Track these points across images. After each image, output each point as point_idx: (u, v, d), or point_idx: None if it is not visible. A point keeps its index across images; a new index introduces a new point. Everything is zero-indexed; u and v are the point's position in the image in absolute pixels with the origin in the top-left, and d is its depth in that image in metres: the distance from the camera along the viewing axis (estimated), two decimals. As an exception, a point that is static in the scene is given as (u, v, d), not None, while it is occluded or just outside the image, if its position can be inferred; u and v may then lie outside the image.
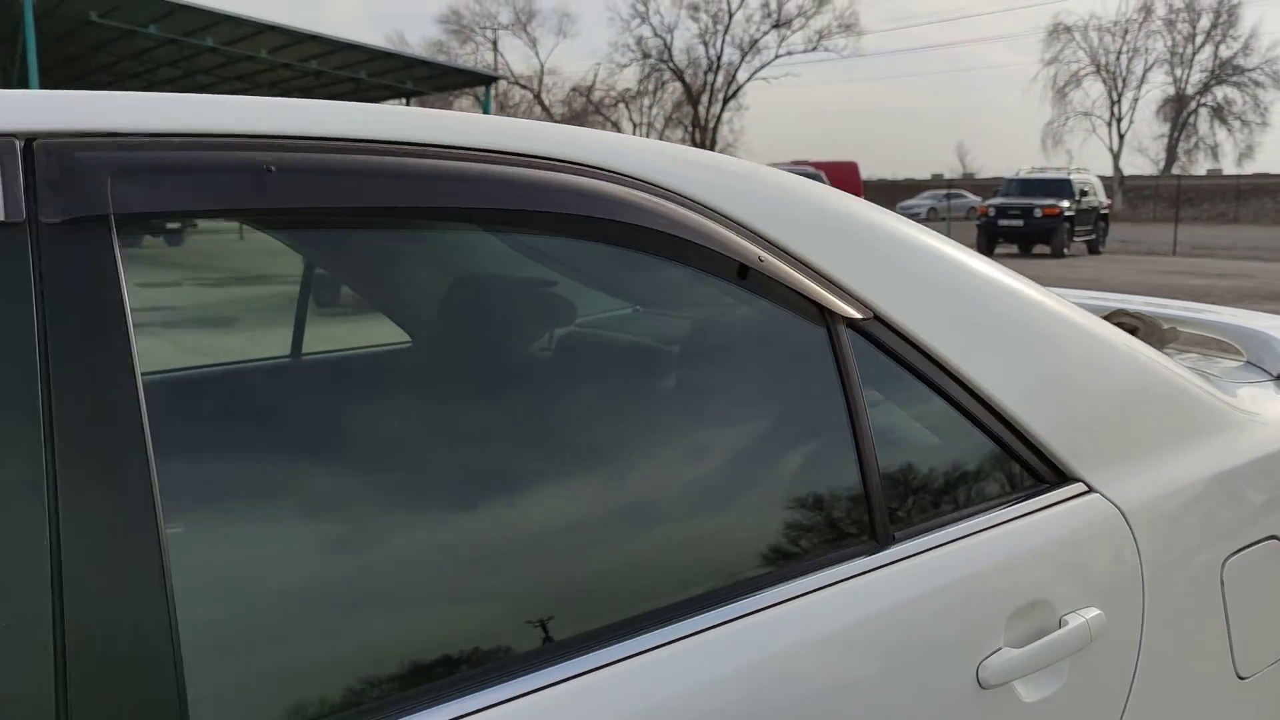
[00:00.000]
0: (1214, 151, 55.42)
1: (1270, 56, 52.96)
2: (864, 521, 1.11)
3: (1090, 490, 1.27)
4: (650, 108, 63.35)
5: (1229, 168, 53.43)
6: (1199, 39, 54.07)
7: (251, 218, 0.90)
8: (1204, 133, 55.83)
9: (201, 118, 0.88)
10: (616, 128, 62.27)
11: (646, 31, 59.94)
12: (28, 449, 0.71)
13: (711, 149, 1.97)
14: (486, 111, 22.79)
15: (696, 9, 58.37)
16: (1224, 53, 53.69)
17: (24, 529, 0.70)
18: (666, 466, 1.05)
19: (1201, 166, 54.99)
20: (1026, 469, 1.25)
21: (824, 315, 1.13)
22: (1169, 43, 55.02)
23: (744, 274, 1.10)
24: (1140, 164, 56.26)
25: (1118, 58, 55.25)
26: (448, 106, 52.07)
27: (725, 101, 60.51)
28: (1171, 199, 37.45)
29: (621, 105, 63.52)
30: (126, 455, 0.74)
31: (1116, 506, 1.27)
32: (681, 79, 60.59)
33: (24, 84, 16.85)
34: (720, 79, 59.73)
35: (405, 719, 0.82)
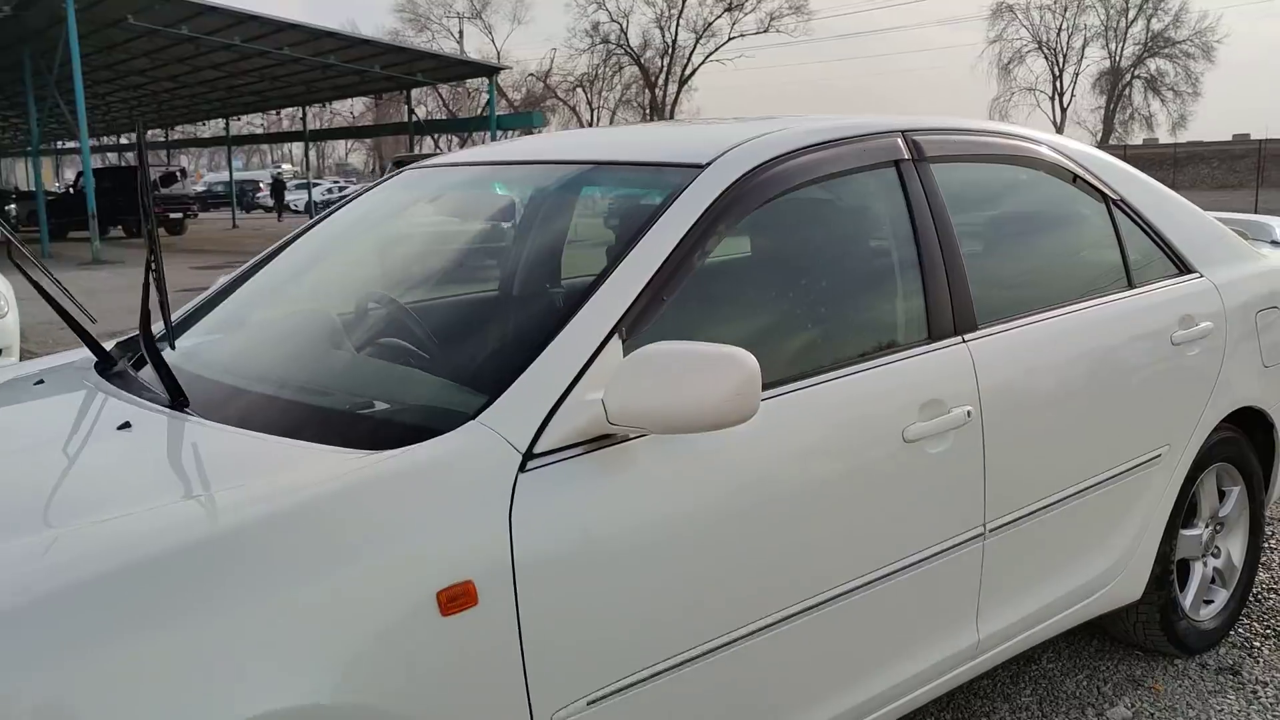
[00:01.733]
0: (1149, 122, 58.06)
1: (1199, 28, 55.50)
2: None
3: (1204, 277, 2.96)
4: (602, 93, 64.67)
5: (1164, 137, 56.03)
6: (1131, 13, 56.60)
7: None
8: (1139, 104, 58.43)
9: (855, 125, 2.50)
10: (575, 112, 63.55)
11: (603, 17, 60.87)
12: None
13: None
14: (491, 99, 24.17)
15: (652, -7, 59.63)
16: (1155, 26, 56.31)
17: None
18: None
19: (1137, 137, 57.47)
20: (1177, 263, 2.93)
21: (1107, 206, 2.80)
22: (1103, 17, 57.50)
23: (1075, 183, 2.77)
24: (1081, 136, 58.58)
25: (1058, 34, 57.70)
26: (451, 95, 52.80)
27: (681, 84, 62.03)
28: (1114, 167, 39.54)
29: (579, 90, 64.83)
30: None
31: (1214, 285, 2.96)
32: (638, 63, 61.96)
33: (69, 82, 17.91)
34: (675, 62, 61.14)
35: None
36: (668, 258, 1.93)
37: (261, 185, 56.19)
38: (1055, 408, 2.48)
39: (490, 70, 22.67)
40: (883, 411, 2.13)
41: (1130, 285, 2.81)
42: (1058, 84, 57.93)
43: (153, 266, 1.94)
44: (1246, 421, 3.14)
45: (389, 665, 1.48)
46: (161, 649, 1.32)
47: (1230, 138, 50.00)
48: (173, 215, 28.59)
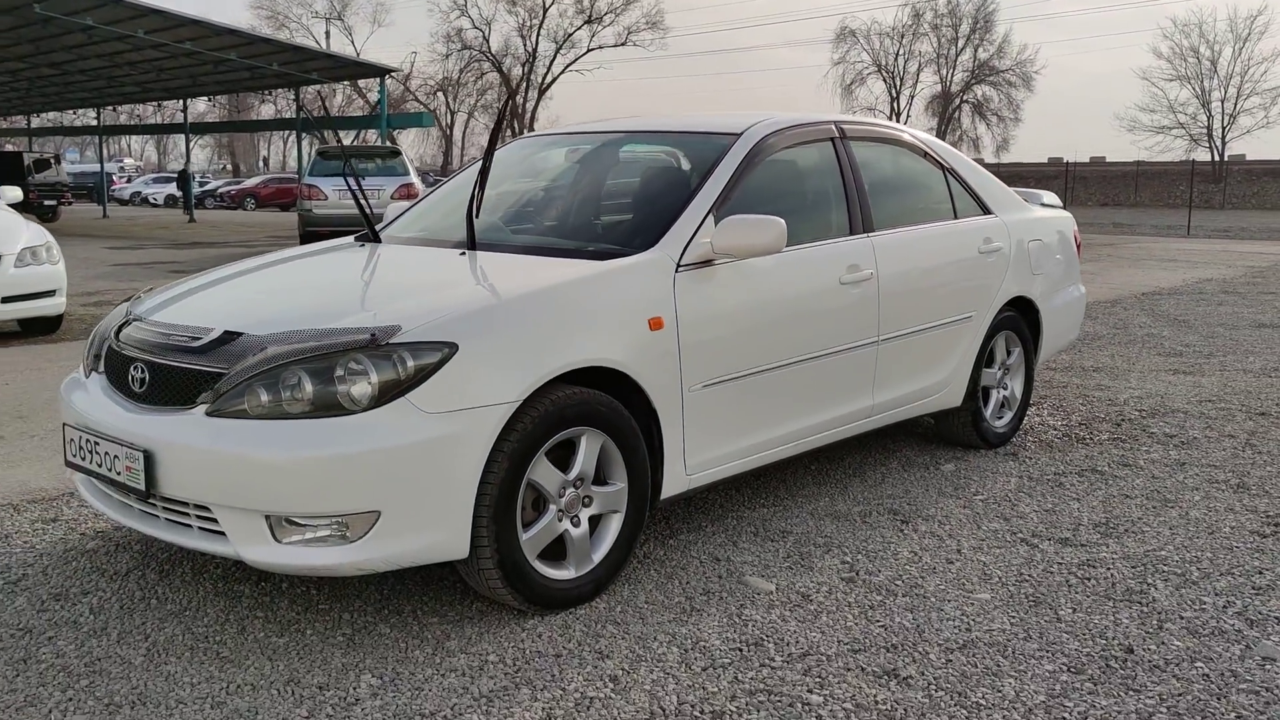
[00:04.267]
0: (975, 144, 62.95)
1: (1020, 59, 60.73)
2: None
3: (997, 217, 5.00)
4: (470, 97, 65.98)
5: (989, 157, 60.90)
6: (960, 42, 61.42)
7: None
8: (967, 126, 63.35)
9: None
10: (435, 114, 64.40)
11: (465, 23, 62.12)
12: None
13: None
14: (382, 99, 25.45)
15: (514, 2, 61.29)
16: (982, 55, 61.28)
17: None
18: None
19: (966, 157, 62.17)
20: (982, 208, 4.96)
21: (943, 171, 4.80)
22: (935, 45, 62.17)
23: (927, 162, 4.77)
24: (915, 154, 62.72)
25: (896, 58, 62.06)
26: (340, 94, 53.08)
27: (541, 92, 63.91)
28: (944, 183, 43.38)
29: (440, 94, 65.90)
30: None
31: (1004, 222, 5.00)
32: (499, 69, 63.47)
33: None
34: (536, 71, 62.84)
35: None
36: (728, 180, 3.79)
37: (115, 178, 55.21)
38: (915, 277, 4.44)
39: (383, 71, 23.97)
40: (830, 266, 4.04)
41: (956, 217, 4.84)
42: (895, 105, 62.33)
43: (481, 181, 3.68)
44: (1023, 307, 5.19)
45: (637, 349, 3.28)
46: (537, 325, 3.10)
47: (1046, 160, 55.00)
48: (46, 202, 28.71)
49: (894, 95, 62.73)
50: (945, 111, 62.56)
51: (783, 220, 3.56)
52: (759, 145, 3.98)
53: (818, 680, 2.78)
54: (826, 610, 3.23)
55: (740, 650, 2.95)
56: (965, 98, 62.74)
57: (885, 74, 62.81)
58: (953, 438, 5.11)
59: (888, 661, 2.89)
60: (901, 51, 62.38)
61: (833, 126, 4.39)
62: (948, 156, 4.99)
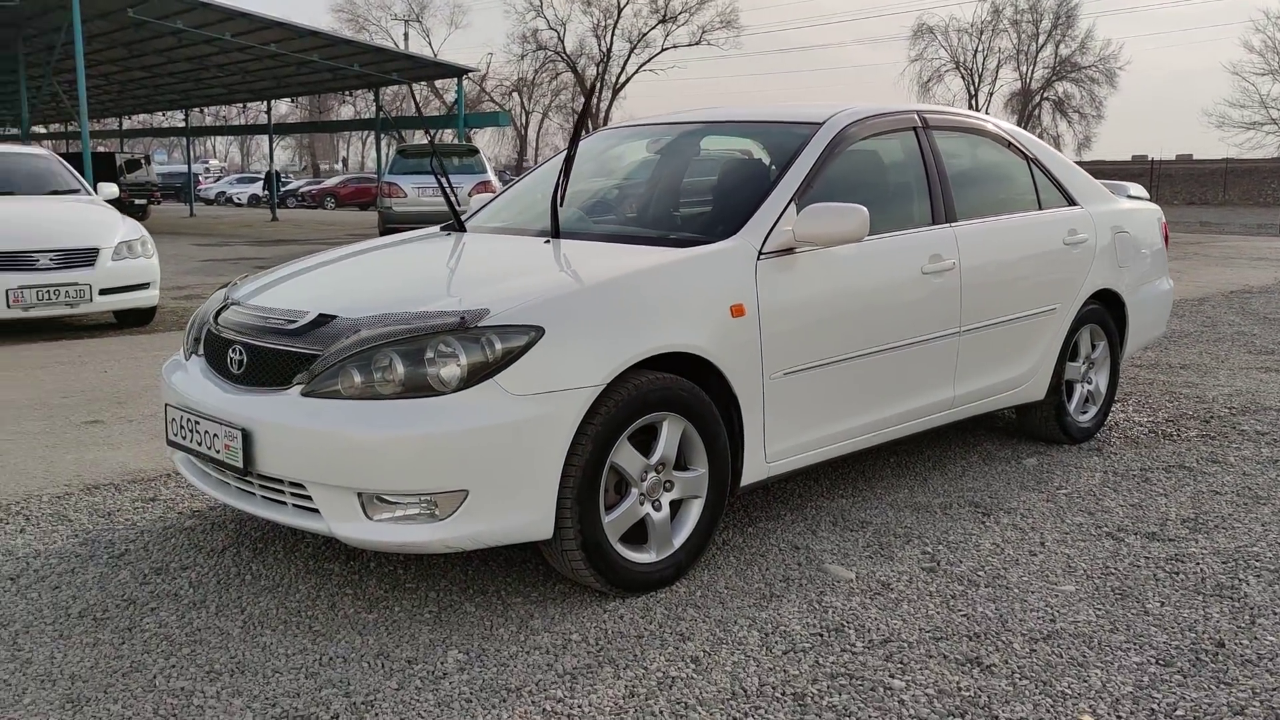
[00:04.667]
0: (1056, 142, 61.60)
1: (1103, 55, 59.32)
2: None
3: (1083, 208, 4.92)
4: (544, 97, 66.56)
5: (1070, 156, 59.63)
6: (1041, 38, 60.23)
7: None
8: (1047, 124, 62.05)
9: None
10: (510, 113, 65.00)
11: (541, 24, 62.64)
12: None
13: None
14: (459, 99, 25.80)
15: (589, 3, 61.60)
16: (1064, 51, 60.02)
17: None
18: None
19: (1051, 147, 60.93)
20: (1067, 199, 4.89)
21: (1027, 161, 4.75)
22: (1015, 41, 61.04)
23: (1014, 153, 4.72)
24: (993, 152, 61.73)
25: (975, 55, 61.10)
26: (418, 95, 54.31)
27: (615, 91, 64.12)
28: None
29: (515, 94, 66.57)
30: None
31: (1090, 213, 4.93)
32: (574, 69, 63.85)
33: (71, 71, 19.07)
34: (610, 70, 63.07)
35: None
36: (810, 169, 3.79)
37: (200, 178, 56.72)
38: (998, 268, 4.40)
39: (460, 71, 24.30)
40: (912, 255, 4.02)
41: (1040, 207, 4.77)
42: (973, 103, 61.33)
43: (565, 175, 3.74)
44: (1108, 300, 5.10)
45: (719, 336, 3.30)
46: (622, 310, 3.13)
47: (1130, 158, 53.69)
48: (137, 201, 29.60)
49: (972, 93, 61.75)
50: (1025, 109, 61.40)
51: (865, 209, 3.55)
52: (841, 134, 3.97)
53: (899, 666, 2.78)
54: (907, 599, 3.22)
55: (821, 635, 2.96)
56: (1046, 95, 61.50)
57: (963, 71, 61.85)
58: (1035, 432, 5.04)
59: (970, 649, 2.88)
60: (980, 48, 61.37)
61: (915, 116, 4.37)
62: (1032, 147, 4.93)
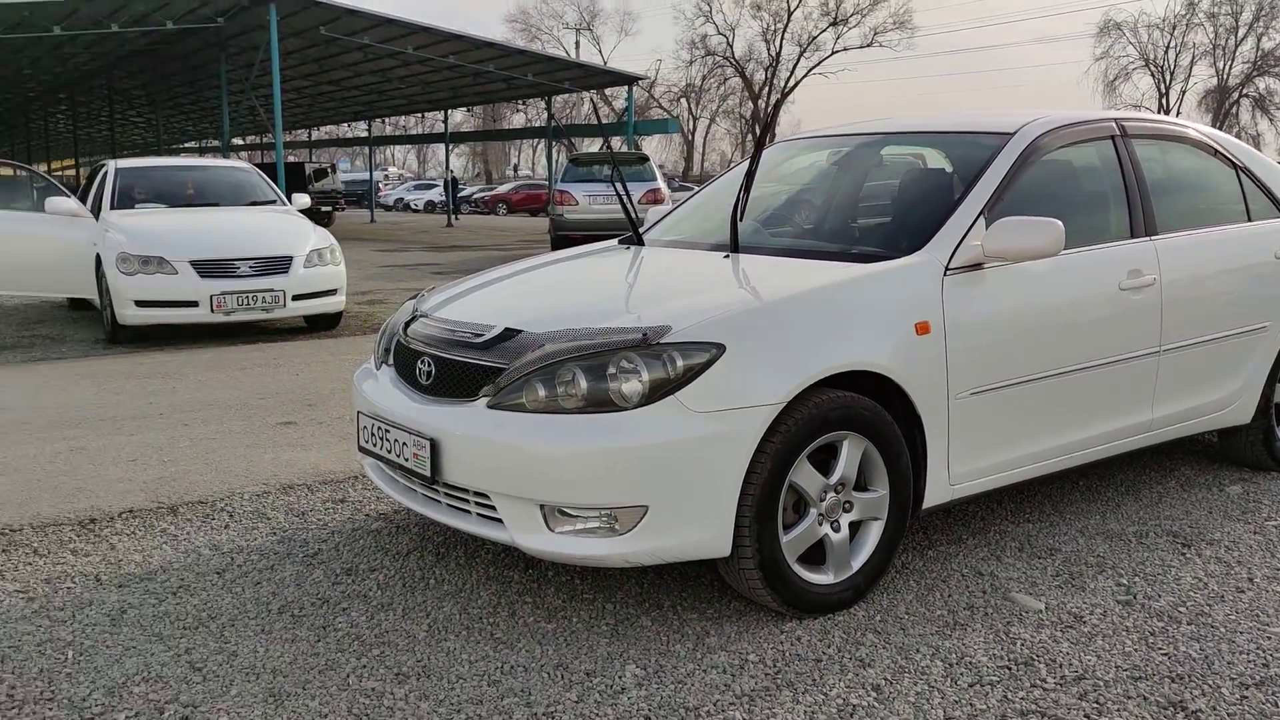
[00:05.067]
0: (1256, 141, 57.82)
1: (1311, 48, 55.27)
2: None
3: (1297, 218, 4.59)
4: (712, 103, 66.72)
5: (1272, 156, 55.82)
6: (1241, 31, 56.59)
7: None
8: (1246, 122, 58.30)
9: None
10: (678, 119, 65.46)
11: (710, 30, 62.82)
12: None
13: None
14: (629, 106, 26.14)
15: (759, 7, 61.40)
16: (1266, 44, 56.23)
17: None
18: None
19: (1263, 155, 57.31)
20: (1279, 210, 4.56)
21: (1235, 170, 4.45)
22: (1211, 35, 57.57)
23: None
24: (1184, 153, 58.45)
25: (1166, 51, 57.96)
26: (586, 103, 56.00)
27: (784, 95, 63.74)
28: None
29: (682, 100, 66.98)
30: None
31: (1304, 223, 4.59)
32: (742, 75, 63.75)
33: (267, 87, 20.22)
34: (779, 74, 62.69)
35: None
36: (1000, 181, 3.66)
37: (381, 185, 59.26)
38: (1202, 283, 4.14)
39: (630, 79, 24.62)
40: (1109, 270, 3.82)
41: (1249, 219, 4.47)
42: (1164, 101, 58.20)
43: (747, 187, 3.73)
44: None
45: (903, 354, 3.22)
46: (803, 327, 3.08)
47: (1339, 158, 49.87)
48: (323, 209, 31.14)
49: (1163, 91, 58.59)
50: (1221, 107, 57.86)
51: (1060, 222, 3.40)
52: (1033, 145, 3.81)
53: (1095, 706, 2.64)
54: (1101, 633, 3.06)
55: (1009, 669, 2.84)
56: (1245, 91, 57.79)
57: (1153, 68, 58.75)
58: (1239, 457, 4.72)
59: (1173, 692, 2.71)
60: (1173, 44, 58.20)
61: (1113, 124, 4.15)
62: (1240, 154, 4.62)
